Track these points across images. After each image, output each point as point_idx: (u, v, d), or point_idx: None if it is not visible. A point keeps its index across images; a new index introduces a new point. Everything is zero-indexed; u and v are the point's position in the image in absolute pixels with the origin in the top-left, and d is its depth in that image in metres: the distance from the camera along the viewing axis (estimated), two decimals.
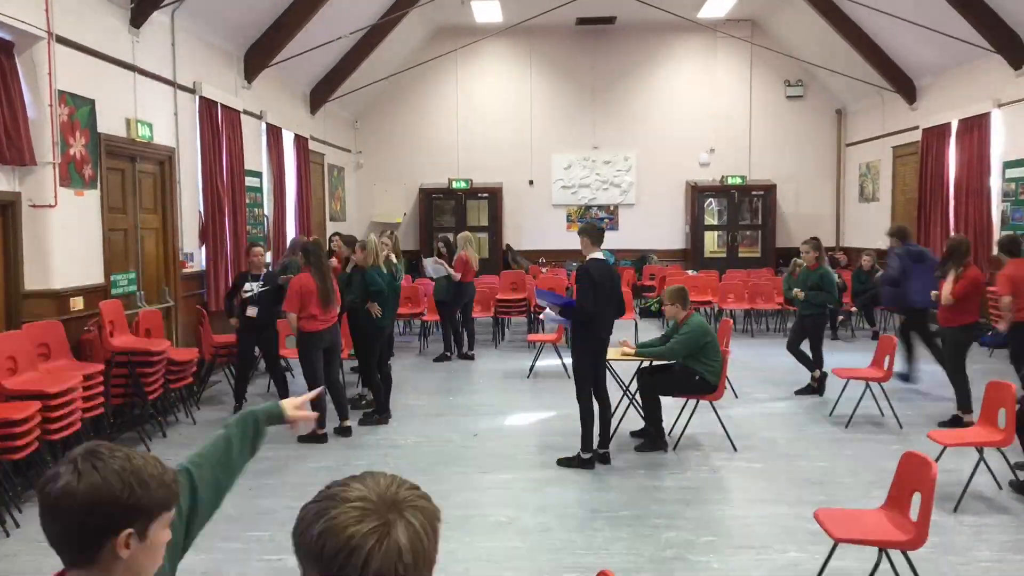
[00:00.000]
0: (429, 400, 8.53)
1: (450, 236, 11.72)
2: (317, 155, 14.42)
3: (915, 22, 10.89)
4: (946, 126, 12.63)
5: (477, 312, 11.84)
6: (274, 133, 12.06)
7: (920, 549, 3.76)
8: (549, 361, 10.02)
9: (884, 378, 7.34)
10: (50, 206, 6.74)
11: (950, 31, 10.76)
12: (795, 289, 8.70)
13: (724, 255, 16.48)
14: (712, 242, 16.99)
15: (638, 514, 5.25)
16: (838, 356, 10.11)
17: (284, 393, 7.94)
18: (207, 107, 9.66)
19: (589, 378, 6.23)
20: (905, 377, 8.43)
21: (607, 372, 6.59)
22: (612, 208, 17.37)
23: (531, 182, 17.28)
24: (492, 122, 17.15)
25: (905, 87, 13.86)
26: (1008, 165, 11.20)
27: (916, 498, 3.79)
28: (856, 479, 5.90)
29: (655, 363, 6.82)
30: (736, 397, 8.30)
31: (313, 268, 7.03)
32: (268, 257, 11.50)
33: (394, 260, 8.49)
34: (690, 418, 6.85)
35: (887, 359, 7.39)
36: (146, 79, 8.39)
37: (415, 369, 10.22)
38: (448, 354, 10.65)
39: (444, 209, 16.94)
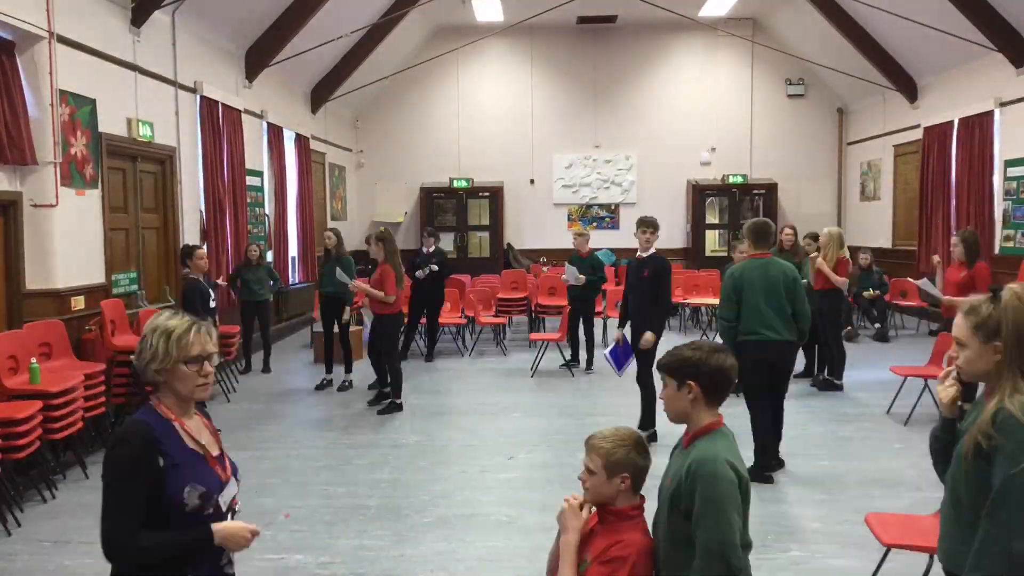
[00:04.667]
0: (431, 399, 8.53)
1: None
2: (318, 154, 14.42)
3: (917, 21, 10.88)
4: (947, 125, 12.62)
5: (480, 312, 11.81)
6: (275, 132, 12.06)
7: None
8: (551, 360, 10.04)
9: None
10: (51, 205, 6.75)
11: (952, 30, 10.75)
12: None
13: (725, 254, 16.46)
14: (713, 241, 16.98)
15: None
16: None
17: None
18: (208, 106, 9.66)
19: None
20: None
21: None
22: (613, 207, 17.37)
23: (532, 181, 17.28)
24: (493, 121, 17.14)
25: (906, 86, 13.85)
26: (1009, 164, 11.19)
27: None
28: (859, 477, 5.89)
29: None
30: (737, 396, 8.26)
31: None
32: (269, 256, 11.53)
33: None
34: None
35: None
36: (147, 79, 8.40)
37: (417, 369, 10.22)
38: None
39: (445, 208, 16.94)
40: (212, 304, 7.85)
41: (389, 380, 8.03)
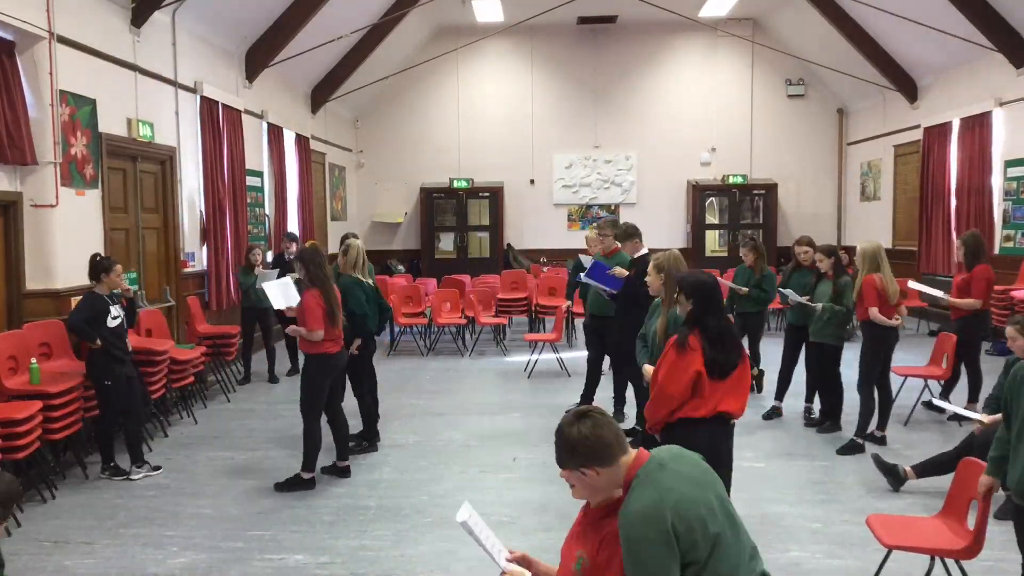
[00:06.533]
0: (430, 399, 8.53)
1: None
2: (318, 155, 14.43)
3: (917, 21, 10.88)
4: (947, 125, 12.62)
5: (480, 312, 11.79)
6: (275, 133, 12.06)
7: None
8: (549, 360, 10.04)
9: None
10: (51, 206, 6.75)
11: (952, 30, 10.76)
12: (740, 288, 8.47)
13: (725, 254, 16.47)
14: (713, 241, 16.99)
15: None
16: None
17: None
18: (208, 107, 9.66)
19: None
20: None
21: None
22: (613, 207, 17.36)
23: (532, 181, 17.28)
24: (493, 121, 17.15)
25: (906, 86, 13.85)
26: (1009, 164, 11.19)
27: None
28: (857, 479, 5.90)
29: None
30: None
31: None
32: (269, 256, 11.52)
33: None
34: None
35: None
36: (147, 79, 8.40)
37: (416, 368, 10.22)
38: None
39: (445, 209, 16.94)
40: (113, 322, 6.12)
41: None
